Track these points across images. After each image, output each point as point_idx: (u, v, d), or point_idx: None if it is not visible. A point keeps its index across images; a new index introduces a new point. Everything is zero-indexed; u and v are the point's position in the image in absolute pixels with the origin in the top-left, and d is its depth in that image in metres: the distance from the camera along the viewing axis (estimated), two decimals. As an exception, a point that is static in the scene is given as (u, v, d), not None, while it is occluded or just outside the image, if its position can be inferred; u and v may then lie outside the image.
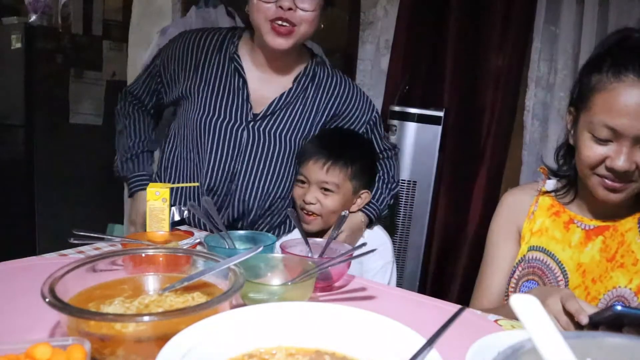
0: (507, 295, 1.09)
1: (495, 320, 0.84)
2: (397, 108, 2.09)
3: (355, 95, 1.46)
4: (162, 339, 0.49)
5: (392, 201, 1.52)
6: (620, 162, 0.89)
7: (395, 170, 1.54)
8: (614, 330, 0.74)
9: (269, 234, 1.09)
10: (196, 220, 1.38)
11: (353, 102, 1.45)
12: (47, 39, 2.69)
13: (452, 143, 2.12)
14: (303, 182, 1.37)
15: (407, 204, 2.06)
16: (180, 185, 1.37)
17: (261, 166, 1.37)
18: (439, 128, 2.05)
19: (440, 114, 2.05)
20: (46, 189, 2.68)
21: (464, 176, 2.16)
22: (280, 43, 1.26)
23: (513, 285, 1.08)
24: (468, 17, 2.10)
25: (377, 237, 1.46)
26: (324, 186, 1.34)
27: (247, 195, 1.37)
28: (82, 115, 2.86)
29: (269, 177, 1.38)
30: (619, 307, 0.70)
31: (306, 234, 1.22)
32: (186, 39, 1.40)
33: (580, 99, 0.97)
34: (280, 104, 1.37)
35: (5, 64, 2.67)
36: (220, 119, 1.34)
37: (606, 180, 0.93)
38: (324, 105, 1.42)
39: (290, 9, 1.22)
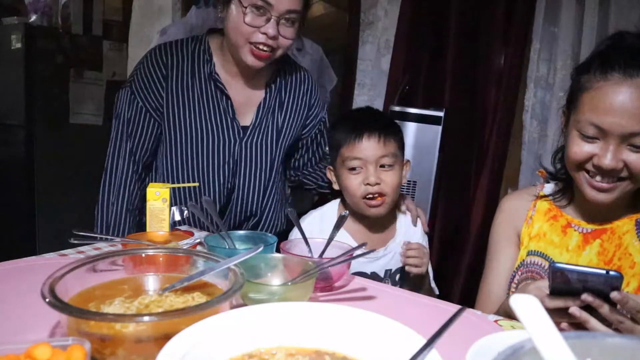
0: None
1: (495, 321, 0.84)
2: (397, 108, 2.09)
3: (316, 89, 1.47)
4: (162, 339, 0.49)
5: None
6: (607, 160, 0.89)
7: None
8: (577, 296, 0.76)
9: (269, 234, 1.09)
10: (196, 219, 1.38)
11: (316, 96, 1.47)
12: (47, 39, 2.69)
13: (452, 143, 2.12)
14: (354, 168, 1.23)
15: (407, 204, 2.06)
16: (180, 185, 1.37)
17: (257, 174, 1.38)
18: (439, 128, 2.05)
19: (440, 114, 2.05)
20: (46, 189, 2.68)
21: (464, 176, 2.16)
22: (259, 63, 1.26)
23: (513, 290, 1.08)
24: (468, 17, 2.11)
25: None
26: (382, 162, 1.22)
27: (246, 203, 1.39)
28: (82, 115, 2.86)
29: (265, 182, 1.40)
30: (557, 265, 0.76)
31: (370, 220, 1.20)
32: (153, 66, 1.32)
33: (570, 100, 0.99)
34: (263, 112, 1.37)
35: (5, 64, 2.67)
36: (215, 142, 1.33)
37: (594, 181, 0.93)
38: (297, 102, 1.43)
39: (274, 37, 1.21)
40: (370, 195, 1.22)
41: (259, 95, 1.38)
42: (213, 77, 1.32)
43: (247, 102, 1.37)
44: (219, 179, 1.36)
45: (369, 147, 1.21)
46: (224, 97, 1.33)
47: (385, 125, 1.25)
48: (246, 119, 1.37)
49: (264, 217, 1.44)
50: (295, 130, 1.43)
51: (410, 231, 1.34)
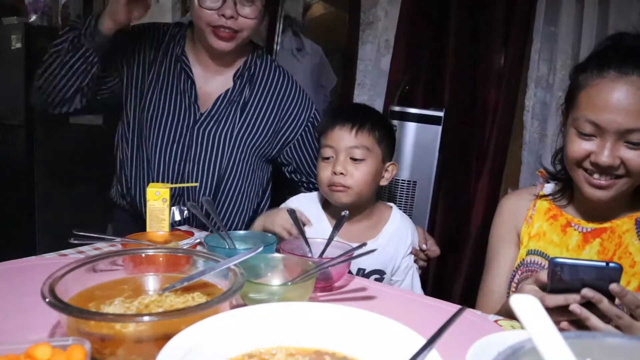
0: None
1: (495, 321, 0.84)
2: (397, 108, 2.09)
3: (295, 91, 1.46)
4: (162, 339, 0.49)
5: None
6: (604, 157, 0.90)
7: None
8: (576, 292, 0.76)
9: (269, 234, 1.09)
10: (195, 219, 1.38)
11: (293, 98, 1.45)
12: (47, 39, 2.68)
13: (452, 143, 2.11)
14: (328, 157, 1.24)
15: (407, 204, 2.06)
16: (180, 185, 1.37)
17: (208, 166, 1.38)
18: (439, 128, 2.04)
19: (440, 114, 2.05)
20: (46, 189, 2.67)
21: (464, 176, 2.16)
22: (223, 46, 1.29)
23: (514, 290, 1.08)
24: (468, 17, 2.10)
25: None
26: (353, 154, 1.21)
27: (197, 196, 1.39)
28: (82, 115, 2.84)
29: (218, 177, 1.39)
30: (557, 260, 0.76)
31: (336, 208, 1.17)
32: (130, 35, 1.37)
33: (569, 98, 1.00)
34: (223, 103, 1.38)
35: (5, 64, 2.67)
36: (169, 118, 1.35)
37: (592, 178, 0.94)
38: (266, 102, 1.42)
39: (232, 17, 1.25)
40: (335, 185, 1.22)
41: (226, 84, 1.40)
42: (180, 58, 1.36)
43: (214, 92, 1.39)
44: (165, 157, 1.36)
45: (340, 136, 1.22)
46: (189, 81, 1.36)
47: (365, 119, 1.23)
48: (206, 106, 1.38)
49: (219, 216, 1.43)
50: (261, 131, 1.41)
51: (395, 242, 1.29)
